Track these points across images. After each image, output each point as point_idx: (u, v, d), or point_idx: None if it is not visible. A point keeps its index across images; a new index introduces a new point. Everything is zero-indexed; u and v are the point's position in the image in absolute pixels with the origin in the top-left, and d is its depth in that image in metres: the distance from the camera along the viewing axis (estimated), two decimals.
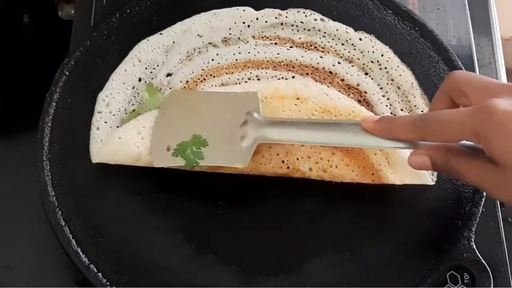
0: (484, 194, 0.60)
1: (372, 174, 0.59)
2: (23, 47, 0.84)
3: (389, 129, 0.52)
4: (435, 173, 0.60)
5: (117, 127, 0.64)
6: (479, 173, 0.47)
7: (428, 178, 0.59)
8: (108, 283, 0.58)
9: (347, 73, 0.66)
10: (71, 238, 0.60)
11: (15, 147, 0.75)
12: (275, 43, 0.67)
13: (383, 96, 0.65)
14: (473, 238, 0.58)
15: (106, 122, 0.64)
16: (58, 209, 0.61)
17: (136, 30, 0.70)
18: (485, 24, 0.75)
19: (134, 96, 0.66)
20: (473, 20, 0.74)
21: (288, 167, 0.60)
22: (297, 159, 0.60)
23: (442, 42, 0.67)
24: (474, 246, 0.57)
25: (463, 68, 0.66)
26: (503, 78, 0.72)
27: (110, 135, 0.63)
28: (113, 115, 0.65)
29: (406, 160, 0.53)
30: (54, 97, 0.66)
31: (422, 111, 0.63)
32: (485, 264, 0.56)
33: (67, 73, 0.67)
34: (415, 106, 0.64)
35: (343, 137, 0.55)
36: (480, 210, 0.59)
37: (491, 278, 0.56)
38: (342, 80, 0.66)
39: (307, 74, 0.66)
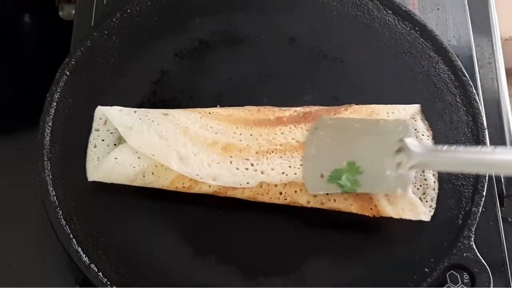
0: (484, 194, 0.60)
1: (371, 208, 0.59)
2: (24, 47, 0.84)
3: None
4: (433, 209, 0.59)
5: (114, 145, 0.64)
6: None
7: (424, 214, 0.59)
8: (108, 283, 0.58)
9: None
10: (71, 237, 0.60)
11: (15, 147, 0.75)
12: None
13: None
14: (473, 238, 0.58)
15: (103, 140, 0.64)
16: (58, 208, 0.61)
17: (136, 30, 0.70)
18: (485, 24, 0.75)
19: None
20: (473, 20, 0.74)
21: (285, 199, 0.60)
22: (295, 191, 0.59)
23: (442, 42, 0.67)
24: (474, 246, 0.57)
25: (462, 68, 0.66)
26: (503, 78, 0.72)
27: (106, 155, 0.62)
28: (111, 133, 0.64)
29: (405, 196, 0.56)
30: (54, 97, 0.66)
31: (422, 135, 0.62)
32: (485, 263, 0.56)
33: (68, 73, 0.67)
34: (415, 129, 0.63)
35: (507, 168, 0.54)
36: (480, 210, 0.59)
37: (491, 277, 0.56)
38: None
39: None
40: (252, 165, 0.60)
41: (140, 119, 0.62)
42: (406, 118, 0.60)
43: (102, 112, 0.64)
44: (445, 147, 0.57)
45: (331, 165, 0.58)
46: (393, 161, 0.57)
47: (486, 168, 0.57)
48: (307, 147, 0.60)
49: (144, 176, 0.61)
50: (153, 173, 0.60)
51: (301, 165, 0.60)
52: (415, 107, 0.63)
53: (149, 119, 0.62)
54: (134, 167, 0.61)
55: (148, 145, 0.60)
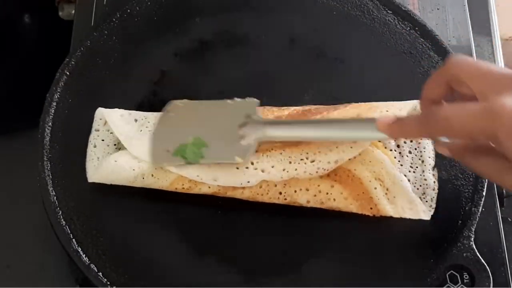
0: (484, 194, 0.60)
1: (371, 208, 0.59)
2: (24, 47, 0.84)
3: (400, 130, 0.53)
4: (433, 208, 0.59)
5: (114, 145, 0.64)
6: (494, 170, 0.48)
7: (424, 213, 0.59)
8: (108, 283, 0.58)
9: None
10: (71, 237, 0.60)
11: (15, 147, 0.75)
12: None
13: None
14: (473, 238, 0.58)
15: (103, 140, 0.64)
16: (58, 208, 0.61)
17: (136, 30, 0.70)
18: (485, 24, 0.75)
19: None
20: (473, 20, 0.74)
21: (285, 199, 0.60)
22: (295, 191, 0.59)
23: (442, 42, 0.67)
24: (474, 246, 0.57)
25: None
26: None
27: (106, 156, 0.63)
28: (111, 133, 0.64)
29: (405, 195, 0.57)
30: (54, 97, 0.66)
31: None
32: (485, 263, 0.56)
33: (68, 73, 0.67)
34: None
35: (350, 132, 0.57)
36: (480, 210, 0.59)
37: (491, 277, 0.56)
38: None
39: None
40: (252, 163, 0.60)
41: (141, 130, 0.63)
42: (256, 100, 0.62)
43: (102, 113, 0.64)
44: (291, 120, 0.60)
45: (177, 141, 0.60)
46: (236, 134, 0.59)
47: (325, 135, 0.58)
48: (156, 127, 0.62)
49: (143, 178, 0.61)
50: (152, 175, 0.61)
51: (301, 159, 0.60)
52: (415, 102, 0.63)
53: (149, 131, 0.62)
54: (133, 169, 0.61)
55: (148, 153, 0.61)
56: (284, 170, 0.59)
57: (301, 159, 0.60)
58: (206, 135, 0.60)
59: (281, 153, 0.60)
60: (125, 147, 0.62)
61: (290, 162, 0.60)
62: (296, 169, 0.59)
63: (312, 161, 0.59)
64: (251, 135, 0.59)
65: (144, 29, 0.71)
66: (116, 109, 0.65)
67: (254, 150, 0.59)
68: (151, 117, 0.64)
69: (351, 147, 0.59)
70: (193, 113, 0.63)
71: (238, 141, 0.59)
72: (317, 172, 0.59)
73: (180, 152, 0.60)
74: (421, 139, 0.62)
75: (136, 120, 0.64)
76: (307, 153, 0.60)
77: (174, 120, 0.62)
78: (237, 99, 0.62)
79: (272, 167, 0.60)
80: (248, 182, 0.59)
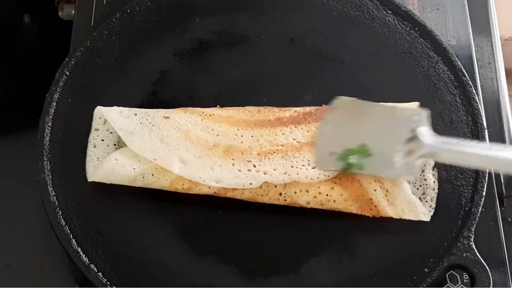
0: (484, 194, 0.60)
1: (371, 209, 0.59)
2: (23, 47, 0.84)
3: None
4: (433, 209, 0.60)
5: (114, 145, 0.64)
6: None
7: (424, 214, 0.59)
8: (108, 283, 0.58)
9: None
10: (71, 237, 0.60)
11: (15, 147, 0.75)
12: None
13: None
14: (472, 238, 0.58)
15: (103, 140, 0.64)
16: (58, 208, 0.61)
17: (136, 30, 0.70)
18: (485, 24, 0.75)
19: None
20: (473, 21, 0.74)
21: (285, 200, 0.60)
22: (295, 192, 0.59)
23: (442, 43, 0.67)
24: (474, 246, 0.57)
25: (462, 68, 0.66)
26: (503, 78, 0.72)
27: (106, 155, 0.62)
28: (110, 132, 0.64)
29: (405, 197, 0.57)
30: (54, 97, 0.66)
31: None
32: (485, 264, 0.56)
33: (68, 73, 0.67)
34: None
35: None
36: (480, 210, 0.59)
37: (491, 278, 0.56)
38: None
39: None
40: (254, 166, 0.60)
41: (141, 123, 0.62)
42: (424, 111, 0.59)
43: (102, 112, 0.64)
44: (457, 140, 0.57)
45: (343, 144, 0.58)
46: (403, 149, 0.57)
47: (493, 165, 0.57)
48: (323, 124, 0.60)
49: (144, 177, 0.61)
50: (153, 175, 0.60)
51: (303, 165, 0.60)
52: (414, 105, 0.63)
53: (149, 123, 0.62)
54: (134, 169, 0.61)
55: (149, 150, 0.61)
56: (285, 173, 0.59)
57: (303, 165, 0.60)
58: (371, 143, 0.58)
59: (283, 157, 0.60)
60: (125, 145, 0.62)
61: (292, 167, 0.60)
62: (297, 174, 0.59)
63: (314, 167, 0.59)
64: (417, 152, 0.56)
65: (144, 29, 0.71)
66: (115, 107, 0.65)
67: (420, 170, 0.58)
68: (151, 112, 0.64)
69: None
70: (360, 113, 0.60)
71: (403, 156, 0.57)
72: (318, 178, 0.59)
73: (345, 158, 0.58)
74: None
75: (135, 114, 0.64)
76: (309, 160, 0.60)
77: (341, 119, 0.60)
78: (405, 108, 0.61)
79: (274, 170, 0.60)
80: (251, 184, 0.59)
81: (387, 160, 0.58)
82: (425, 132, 0.57)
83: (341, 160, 0.58)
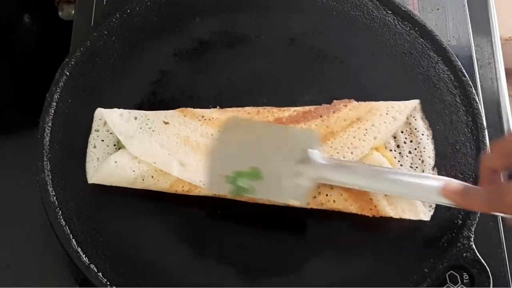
0: None
1: (370, 209, 0.59)
2: (23, 47, 0.84)
3: (466, 203, 0.52)
4: (433, 209, 0.59)
5: (114, 145, 0.64)
6: None
7: (424, 214, 0.59)
8: (108, 283, 0.58)
9: None
10: (71, 237, 0.60)
11: (15, 147, 0.75)
12: None
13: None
14: (472, 238, 0.58)
15: (103, 141, 0.64)
16: (58, 209, 0.61)
17: (136, 30, 0.70)
18: (485, 24, 0.75)
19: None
20: (473, 21, 0.74)
21: None
22: None
23: (442, 43, 0.67)
24: (474, 246, 0.57)
25: (462, 68, 0.66)
26: (503, 78, 0.72)
27: (106, 157, 0.62)
28: (110, 133, 0.64)
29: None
30: (54, 97, 0.66)
31: (422, 135, 0.62)
32: (485, 264, 0.56)
33: (68, 73, 0.68)
34: (415, 129, 0.63)
35: (413, 192, 0.55)
36: None
37: (491, 278, 0.56)
38: None
39: None
40: None
41: (141, 128, 0.62)
42: (316, 132, 0.59)
43: (102, 114, 0.64)
44: (351, 162, 0.57)
45: (233, 166, 0.57)
46: (293, 170, 0.56)
47: (384, 189, 0.56)
48: (214, 145, 0.59)
49: (143, 179, 0.61)
50: (152, 177, 0.61)
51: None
52: (415, 103, 0.63)
53: (149, 128, 0.62)
54: (133, 171, 0.61)
55: (149, 154, 0.61)
56: None
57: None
58: (263, 165, 0.56)
59: None
60: (125, 147, 0.62)
61: None
62: None
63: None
64: (308, 174, 0.55)
65: (144, 29, 0.71)
66: (116, 109, 0.65)
67: (310, 191, 0.56)
68: (151, 115, 0.64)
69: (352, 153, 0.59)
70: (252, 134, 0.59)
71: (294, 178, 0.56)
72: None
73: (235, 181, 0.56)
74: (424, 145, 0.62)
75: (136, 118, 0.64)
76: None
77: (233, 140, 0.59)
78: (298, 129, 0.60)
79: None
80: None
81: (278, 183, 0.56)
82: (316, 154, 0.56)
83: (231, 183, 0.56)
